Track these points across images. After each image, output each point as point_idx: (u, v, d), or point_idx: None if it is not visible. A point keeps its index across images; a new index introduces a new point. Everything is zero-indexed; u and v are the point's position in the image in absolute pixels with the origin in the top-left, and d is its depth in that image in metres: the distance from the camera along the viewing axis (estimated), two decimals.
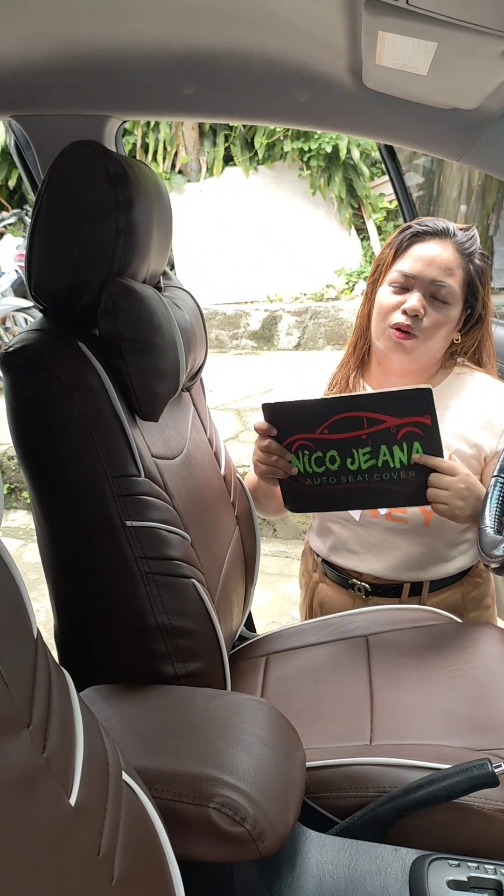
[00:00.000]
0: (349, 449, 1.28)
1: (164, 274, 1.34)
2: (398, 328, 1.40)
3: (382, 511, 1.45)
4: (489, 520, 1.26)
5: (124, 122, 1.45)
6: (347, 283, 6.57)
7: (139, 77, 1.30)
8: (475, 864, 0.90)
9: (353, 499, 1.34)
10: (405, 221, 2.30)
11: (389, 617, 1.47)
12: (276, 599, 3.14)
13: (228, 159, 6.71)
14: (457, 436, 1.43)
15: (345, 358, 1.58)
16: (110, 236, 1.03)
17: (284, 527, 3.70)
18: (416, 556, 1.48)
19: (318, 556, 1.63)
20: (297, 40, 1.18)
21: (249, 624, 1.73)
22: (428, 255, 1.39)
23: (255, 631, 1.73)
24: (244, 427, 4.49)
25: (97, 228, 1.02)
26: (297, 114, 1.34)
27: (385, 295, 1.43)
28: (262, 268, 6.59)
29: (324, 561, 1.61)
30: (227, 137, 6.61)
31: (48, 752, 0.65)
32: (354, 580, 1.55)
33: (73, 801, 0.65)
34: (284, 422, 1.32)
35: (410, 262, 1.40)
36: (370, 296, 1.49)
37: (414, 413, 1.23)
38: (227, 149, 6.65)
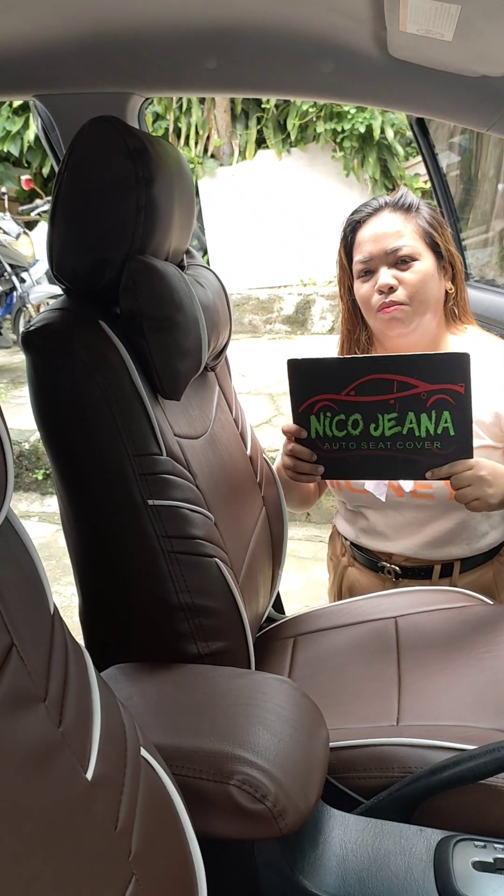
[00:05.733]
0: (374, 413, 1.24)
1: (188, 253, 1.33)
2: (382, 307, 1.40)
3: (407, 489, 1.42)
4: None
5: (147, 98, 1.43)
6: None
7: (161, 53, 1.28)
8: (502, 846, 0.89)
9: (372, 467, 1.29)
10: (437, 199, 2.27)
11: (419, 599, 1.45)
12: (310, 584, 3.13)
13: (261, 142, 6.66)
14: (475, 403, 1.40)
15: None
16: (131, 213, 1.02)
17: (318, 511, 3.68)
18: (447, 532, 1.46)
19: (346, 539, 1.61)
20: (320, 10, 1.15)
21: (279, 606, 1.72)
22: (372, 234, 1.42)
23: (283, 613, 1.72)
24: (277, 412, 4.47)
25: (117, 206, 1.01)
26: (321, 86, 1.32)
27: (359, 287, 1.45)
28: (296, 252, 6.54)
29: (352, 544, 1.60)
30: (259, 120, 6.56)
31: (64, 726, 0.65)
32: (384, 563, 1.53)
33: (89, 775, 0.65)
34: (309, 380, 1.27)
35: (362, 247, 1.43)
36: (347, 299, 1.51)
37: (448, 380, 1.18)
38: (260, 131, 6.60)
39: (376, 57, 1.23)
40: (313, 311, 6.38)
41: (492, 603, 1.45)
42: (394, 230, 1.40)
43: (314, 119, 6.28)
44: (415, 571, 1.52)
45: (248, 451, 1.40)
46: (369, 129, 6.10)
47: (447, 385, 1.19)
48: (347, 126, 6.13)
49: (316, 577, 3.19)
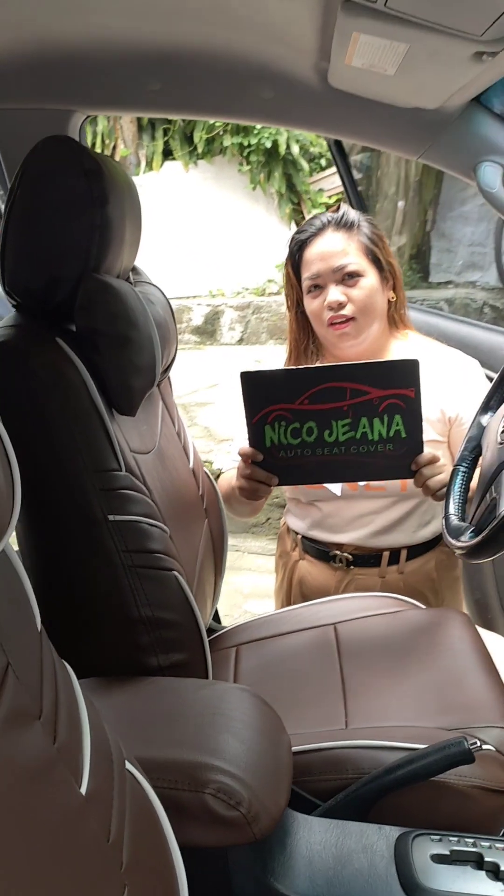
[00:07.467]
0: (328, 420, 1.27)
1: (133, 269, 1.34)
2: (332, 323, 1.47)
3: (361, 483, 1.48)
4: (453, 507, 1.30)
5: (89, 116, 1.44)
6: None
7: (105, 72, 1.30)
8: (456, 839, 0.93)
9: (327, 471, 1.32)
10: None
11: (355, 605, 1.50)
12: (229, 593, 3.16)
13: (168, 153, 6.68)
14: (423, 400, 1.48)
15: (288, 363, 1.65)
16: (86, 232, 1.03)
17: (233, 521, 3.71)
18: (393, 521, 1.53)
19: (297, 533, 1.66)
20: (265, 39, 1.19)
21: (215, 616, 1.74)
22: (319, 253, 1.48)
23: (220, 623, 1.74)
24: (191, 422, 4.49)
25: (73, 224, 1.02)
26: (261, 111, 1.36)
27: (310, 303, 1.51)
28: (204, 263, 6.59)
29: (303, 538, 1.65)
30: (166, 131, 6.58)
31: (58, 742, 0.66)
32: (336, 552, 1.59)
33: (83, 789, 0.66)
34: (262, 392, 1.28)
35: (310, 265, 1.49)
36: (295, 312, 1.59)
37: (400, 385, 1.23)
38: (167, 143, 6.62)
39: (316, 86, 1.28)
40: (222, 321, 6.44)
41: (423, 607, 1.51)
42: (339, 248, 1.46)
43: (221, 133, 6.34)
44: (364, 559, 1.58)
45: (191, 464, 1.42)
46: (275, 144, 6.21)
47: (398, 390, 1.23)
48: (254, 141, 6.22)
49: (234, 585, 3.22)
